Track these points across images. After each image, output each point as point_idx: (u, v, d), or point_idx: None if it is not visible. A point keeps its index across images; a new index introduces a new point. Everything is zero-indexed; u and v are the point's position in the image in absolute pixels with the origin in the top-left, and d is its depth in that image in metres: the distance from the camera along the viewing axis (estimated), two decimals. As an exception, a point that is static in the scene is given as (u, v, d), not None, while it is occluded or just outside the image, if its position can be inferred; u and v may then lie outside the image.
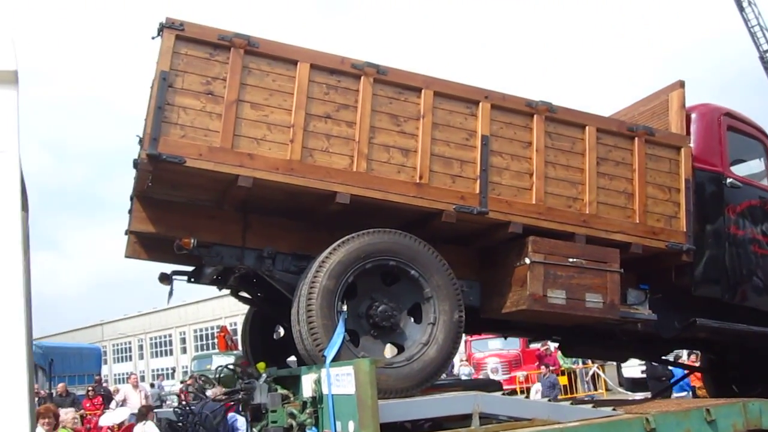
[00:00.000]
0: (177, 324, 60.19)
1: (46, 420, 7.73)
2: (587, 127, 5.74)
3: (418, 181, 5.16)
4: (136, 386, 17.93)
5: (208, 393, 6.28)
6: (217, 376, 6.07)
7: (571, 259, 5.41)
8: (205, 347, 52.76)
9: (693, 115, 6.40)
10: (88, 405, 17.40)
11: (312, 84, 5.07)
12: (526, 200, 5.45)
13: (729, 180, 6.30)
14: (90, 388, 19.59)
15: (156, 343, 64.81)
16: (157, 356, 63.58)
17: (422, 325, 5.12)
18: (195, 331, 59.09)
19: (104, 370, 47.05)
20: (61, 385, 20.60)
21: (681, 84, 6.28)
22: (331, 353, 4.73)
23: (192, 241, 5.03)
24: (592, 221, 5.61)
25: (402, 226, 5.21)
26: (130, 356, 67.83)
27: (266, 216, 5.41)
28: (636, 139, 5.89)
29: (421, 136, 5.24)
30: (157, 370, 57.10)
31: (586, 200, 5.63)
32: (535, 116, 5.59)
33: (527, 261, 5.30)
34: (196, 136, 4.75)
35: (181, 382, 26.85)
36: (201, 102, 4.80)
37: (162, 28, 4.78)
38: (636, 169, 5.86)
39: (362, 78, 5.17)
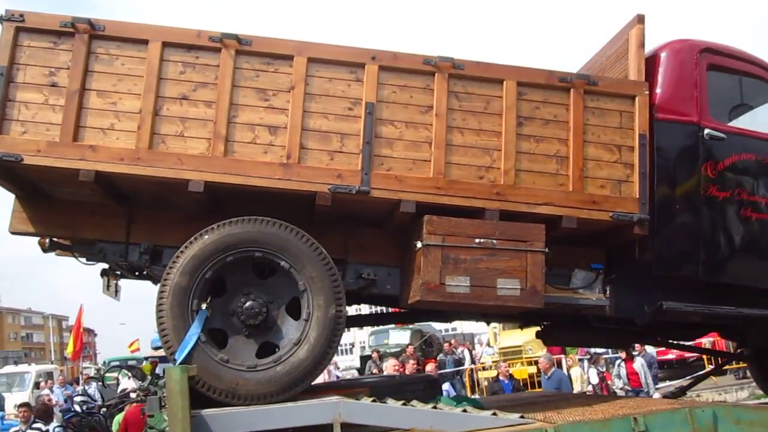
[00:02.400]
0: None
1: None
2: (505, 82, 4.86)
3: (285, 161, 4.59)
4: None
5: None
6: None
7: (478, 240, 4.61)
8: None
9: (662, 55, 5.26)
10: None
11: (165, 63, 4.66)
12: (422, 174, 4.70)
13: (707, 131, 5.11)
14: None
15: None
16: None
17: (299, 322, 4.57)
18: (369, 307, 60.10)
19: None
20: None
21: (639, 19, 5.15)
22: (181, 356, 4.33)
23: (46, 241, 4.81)
24: (508, 193, 4.75)
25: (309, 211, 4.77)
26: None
27: (152, 210, 5.06)
28: (572, 90, 4.92)
29: (291, 110, 4.65)
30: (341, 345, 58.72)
31: (502, 169, 4.78)
32: (436, 75, 4.80)
33: (419, 245, 4.58)
34: (38, 131, 4.51)
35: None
36: (44, 95, 4.55)
37: (0, 21, 4.55)
38: (572, 128, 4.89)
39: (222, 51, 4.66)
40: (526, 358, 18.31)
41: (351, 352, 47.48)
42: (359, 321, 7.18)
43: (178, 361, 4.31)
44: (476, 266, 4.59)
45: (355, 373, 23.44)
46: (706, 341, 9.18)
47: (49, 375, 23.50)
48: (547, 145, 4.87)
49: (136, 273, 5.56)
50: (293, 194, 4.63)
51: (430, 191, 4.68)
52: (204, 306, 4.56)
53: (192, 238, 4.52)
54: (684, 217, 5.02)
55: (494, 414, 4.30)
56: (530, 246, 4.65)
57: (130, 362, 23.84)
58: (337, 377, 18.92)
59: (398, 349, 26.31)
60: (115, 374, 22.54)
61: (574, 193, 4.81)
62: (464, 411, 4.33)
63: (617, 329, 6.11)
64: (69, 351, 24.84)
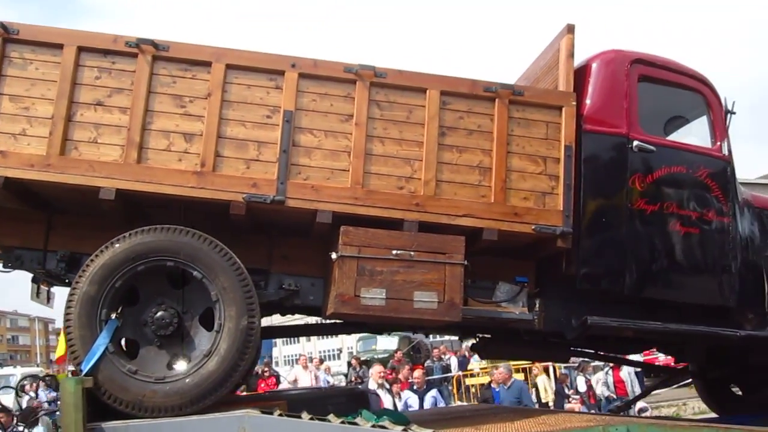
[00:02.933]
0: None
1: None
2: (429, 91, 4.79)
3: (199, 169, 4.51)
4: (305, 367, 18.46)
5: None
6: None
7: (395, 251, 4.53)
8: (371, 329, 53.31)
9: (593, 65, 5.19)
10: (263, 385, 17.83)
11: (81, 69, 4.58)
12: (339, 184, 4.62)
13: (636, 143, 5.03)
14: (265, 369, 20.37)
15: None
16: (323, 338, 65.36)
17: (211, 333, 4.49)
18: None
19: (274, 352, 49.06)
20: None
21: (569, 29, 5.08)
22: (87, 367, 4.25)
23: None
24: (428, 204, 4.67)
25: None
26: (298, 338, 70.39)
27: (73, 217, 4.98)
28: (497, 100, 4.84)
29: (207, 117, 4.58)
30: (324, 351, 58.82)
31: (422, 179, 4.70)
32: (357, 83, 4.73)
33: (333, 256, 4.50)
34: None
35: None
36: None
37: None
38: (496, 138, 4.81)
39: (139, 57, 4.59)
40: (514, 365, 18.14)
41: (339, 358, 47.43)
42: (291, 331, 6.99)
43: (84, 372, 4.23)
44: (393, 278, 4.51)
45: (343, 379, 23.38)
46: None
47: (35, 378, 23.22)
48: (470, 155, 4.79)
49: (66, 281, 5.47)
50: (208, 203, 4.55)
51: (347, 201, 4.60)
52: (114, 316, 4.47)
53: (102, 247, 4.44)
54: (610, 230, 4.94)
55: (405, 430, 4.21)
56: (449, 258, 4.58)
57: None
58: (328, 382, 18.85)
59: (386, 355, 26.22)
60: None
61: (495, 204, 4.73)
62: (374, 426, 4.23)
63: (556, 343, 6.02)
64: (58, 354, 24.70)
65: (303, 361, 19.67)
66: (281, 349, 66.78)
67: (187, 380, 4.34)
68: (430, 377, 17.24)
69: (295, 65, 4.69)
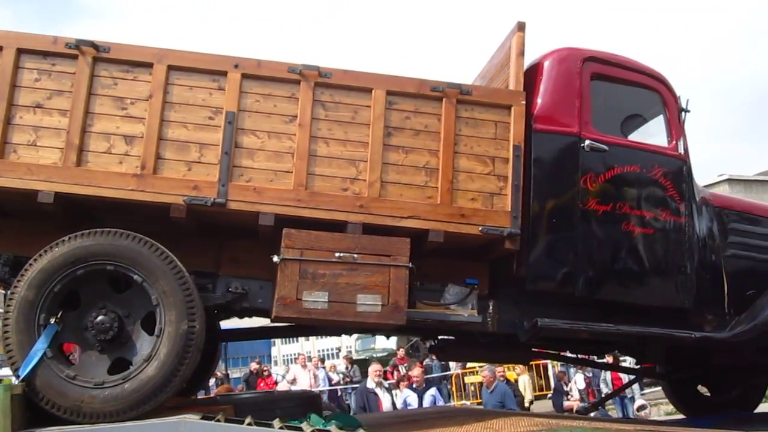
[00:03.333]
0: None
1: None
2: (374, 91, 4.73)
3: (139, 172, 4.46)
4: (304, 366, 18.38)
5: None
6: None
7: (338, 254, 4.47)
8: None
9: (545, 64, 5.12)
10: (262, 384, 17.79)
11: (20, 71, 4.53)
12: (282, 186, 4.57)
13: (588, 142, 4.96)
14: (264, 368, 20.34)
15: (322, 325, 66.26)
16: (321, 337, 65.20)
17: (152, 337, 4.44)
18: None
19: (273, 351, 48.92)
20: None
21: (520, 27, 5.01)
22: (24, 372, 4.20)
23: None
24: (372, 206, 4.61)
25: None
26: (297, 338, 70.23)
27: (17, 220, 4.93)
28: (444, 100, 4.78)
29: (148, 119, 4.52)
30: (322, 350, 58.78)
31: (367, 180, 4.64)
32: (302, 83, 4.67)
33: (275, 259, 4.44)
34: None
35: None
36: None
37: None
38: (443, 138, 4.75)
39: (79, 58, 4.54)
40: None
41: (337, 357, 47.33)
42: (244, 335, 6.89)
43: (21, 377, 4.18)
44: (335, 281, 4.46)
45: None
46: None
47: None
48: (416, 156, 4.73)
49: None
50: (148, 206, 4.50)
51: (289, 203, 4.55)
52: (53, 320, 4.42)
53: (42, 251, 4.39)
54: (560, 231, 4.87)
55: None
56: (393, 261, 4.52)
57: None
58: (330, 381, 18.75)
59: (385, 354, 26.13)
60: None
61: (442, 206, 4.67)
62: (316, 430, 4.18)
63: (519, 344, 5.95)
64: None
65: (302, 360, 19.62)
66: (280, 348, 66.87)
67: (126, 385, 4.28)
68: (429, 375, 17.18)
69: (238, 66, 4.64)
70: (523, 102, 4.83)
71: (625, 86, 5.27)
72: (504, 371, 11.87)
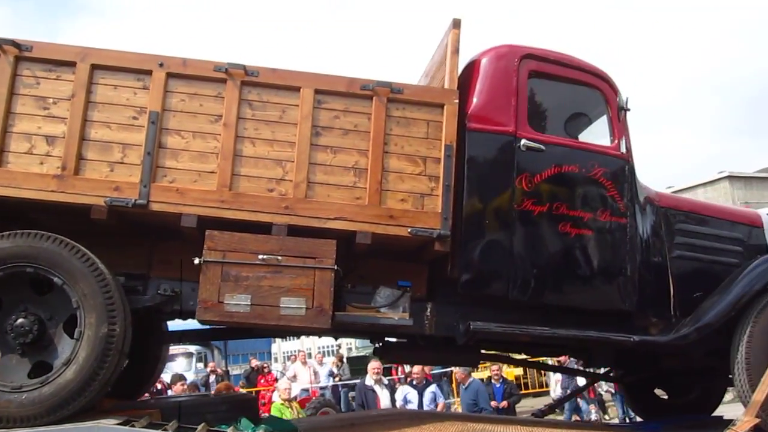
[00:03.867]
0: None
1: None
2: (302, 90, 4.65)
3: (60, 173, 4.40)
4: (304, 363, 18.35)
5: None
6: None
7: (262, 256, 4.40)
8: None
9: (482, 61, 5.02)
10: (262, 381, 17.75)
11: None
12: (206, 186, 4.50)
13: (524, 142, 4.87)
14: (264, 365, 20.28)
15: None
16: None
17: (73, 340, 4.38)
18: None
19: (273, 347, 48.78)
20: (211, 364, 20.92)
21: (455, 24, 4.91)
22: None
23: None
24: (298, 207, 4.53)
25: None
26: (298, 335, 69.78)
27: None
28: (375, 99, 4.69)
29: (71, 119, 4.46)
30: (322, 347, 58.66)
31: (293, 181, 4.56)
32: (228, 82, 4.60)
33: (196, 261, 4.37)
34: None
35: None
36: None
37: None
38: (372, 138, 4.66)
39: (1, 57, 4.48)
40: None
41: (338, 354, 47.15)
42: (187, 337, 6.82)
43: (-64, 382, 4.13)
44: (259, 284, 4.39)
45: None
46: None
47: None
48: (345, 156, 4.65)
49: None
50: (71, 208, 4.43)
51: (213, 204, 4.47)
52: None
53: None
54: (493, 233, 4.78)
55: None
56: (319, 263, 4.44)
57: None
58: (332, 375, 18.65)
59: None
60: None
61: (370, 207, 4.58)
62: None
63: (469, 347, 5.86)
64: None
65: (302, 357, 19.51)
66: (280, 345, 66.87)
67: (44, 389, 4.21)
68: (430, 372, 17.01)
69: (163, 65, 4.57)
70: (456, 101, 4.74)
71: (566, 84, 5.16)
72: (500, 369, 11.67)
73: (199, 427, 4.45)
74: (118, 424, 4.13)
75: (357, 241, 4.54)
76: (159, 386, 12.62)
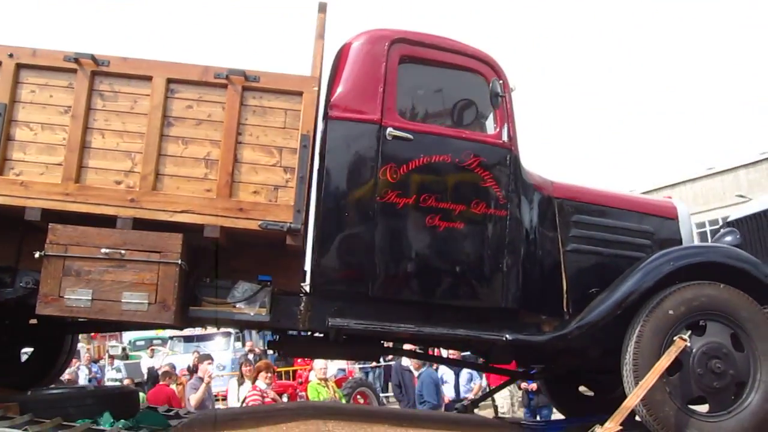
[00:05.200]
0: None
1: (268, 374, 9.04)
2: (154, 79, 4.53)
3: None
4: None
5: None
6: None
7: (104, 250, 4.32)
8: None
9: (352, 47, 4.82)
10: (299, 360, 17.69)
11: None
12: (51, 179, 4.43)
13: (390, 130, 4.65)
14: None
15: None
16: None
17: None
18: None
19: None
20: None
21: (321, 8, 4.72)
22: None
23: None
24: (144, 200, 4.43)
25: None
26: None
27: None
28: (229, 87, 4.55)
29: None
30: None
31: (141, 173, 4.46)
32: (78, 73, 4.51)
33: (36, 255, 4.32)
34: None
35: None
36: None
37: None
38: (225, 128, 4.53)
39: None
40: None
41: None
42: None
43: None
44: (101, 278, 4.31)
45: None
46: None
47: (76, 353, 23.00)
48: (197, 147, 4.52)
49: None
50: None
51: (57, 198, 4.40)
52: None
53: None
54: (353, 226, 4.59)
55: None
56: (163, 257, 4.34)
57: (155, 341, 24.11)
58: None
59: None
60: (139, 353, 23.09)
61: (219, 199, 4.45)
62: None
63: (366, 341, 5.71)
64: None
65: None
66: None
67: None
68: (464, 354, 16.64)
69: (12, 55, 4.49)
70: (315, 88, 4.56)
71: (445, 69, 4.92)
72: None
73: (48, 422, 4.43)
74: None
75: (205, 234, 4.42)
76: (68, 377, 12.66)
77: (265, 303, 4.61)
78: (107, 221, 4.43)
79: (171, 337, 22.24)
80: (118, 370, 18.64)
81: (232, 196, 4.46)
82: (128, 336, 27.53)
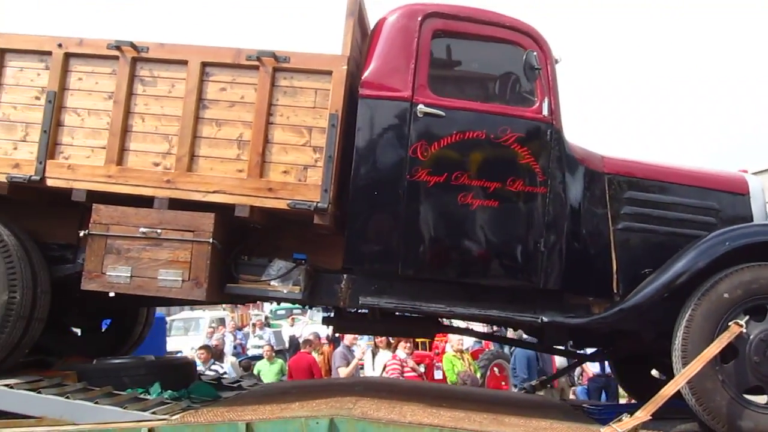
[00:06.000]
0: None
1: (407, 344, 9.43)
2: (189, 63, 4.66)
3: (-28, 151, 4.75)
4: None
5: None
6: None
7: (142, 229, 4.52)
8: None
9: (384, 24, 4.74)
10: None
11: None
12: (96, 162, 4.67)
13: (420, 107, 4.55)
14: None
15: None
16: None
17: (-14, 306, 4.74)
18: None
19: None
20: None
21: (349, -15, 4.68)
22: None
23: None
24: (179, 181, 4.58)
25: None
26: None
27: None
28: (260, 69, 4.61)
29: None
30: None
31: (176, 155, 4.62)
32: (120, 59, 4.71)
33: (81, 234, 4.58)
34: None
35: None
36: None
37: None
38: (256, 110, 4.60)
39: None
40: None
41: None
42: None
43: None
44: (139, 256, 4.52)
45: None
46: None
47: (221, 321, 23.86)
48: (230, 128, 4.62)
49: None
50: None
51: (100, 180, 4.64)
52: None
53: None
54: (382, 205, 4.54)
55: (125, 408, 4.27)
56: (196, 236, 4.50)
57: (295, 310, 25.03)
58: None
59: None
60: (280, 321, 23.99)
61: (249, 179, 4.54)
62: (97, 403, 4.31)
63: (421, 318, 5.71)
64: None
65: None
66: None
67: None
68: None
69: (61, 45, 4.75)
70: (345, 66, 4.53)
71: (484, 43, 4.76)
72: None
73: (98, 389, 4.71)
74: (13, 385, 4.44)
75: (235, 214, 4.52)
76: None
77: (300, 281, 4.66)
78: (146, 201, 4.61)
79: (311, 306, 22.66)
80: (261, 338, 19.21)
81: (263, 176, 4.53)
82: (269, 305, 28.16)
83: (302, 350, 11.27)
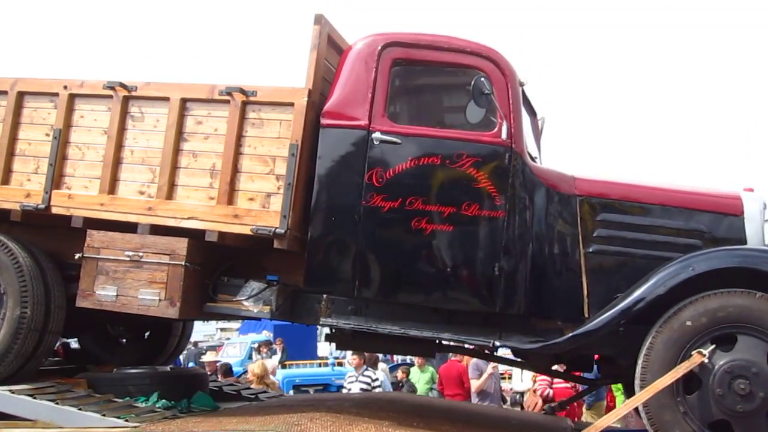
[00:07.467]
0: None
1: None
2: (171, 100, 5.08)
3: (-1, 183, 5.38)
4: None
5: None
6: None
7: (127, 253, 4.97)
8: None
9: (348, 55, 4.92)
10: None
11: None
12: (92, 192, 5.18)
13: (377, 135, 4.69)
14: None
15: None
16: None
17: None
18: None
19: None
20: None
21: (315, 20, 4.84)
22: None
23: None
24: (159, 208, 4.98)
25: None
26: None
27: None
28: (231, 103, 4.95)
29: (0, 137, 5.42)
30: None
31: (158, 184, 5.04)
32: (113, 98, 5.21)
33: (76, 257, 5.09)
34: None
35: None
36: None
37: None
38: (226, 141, 4.93)
39: None
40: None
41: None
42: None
43: None
44: (124, 277, 4.96)
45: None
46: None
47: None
48: (205, 159, 4.97)
49: None
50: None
51: (95, 207, 5.12)
52: None
53: None
54: (339, 230, 4.70)
55: (104, 415, 4.71)
56: (172, 259, 4.87)
57: None
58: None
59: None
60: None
61: (218, 206, 4.86)
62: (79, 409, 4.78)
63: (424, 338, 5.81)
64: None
65: None
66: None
67: None
68: None
69: (66, 87, 5.30)
70: (305, 99, 4.76)
71: (445, 68, 4.84)
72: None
73: (99, 396, 5.19)
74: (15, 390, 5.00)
75: (206, 239, 4.86)
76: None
77: (271, 301, 4.92)
78: (133, 227, 5.05)
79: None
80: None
81: (231, 203, 4.85)
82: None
83: (452, 358, 10.84)
